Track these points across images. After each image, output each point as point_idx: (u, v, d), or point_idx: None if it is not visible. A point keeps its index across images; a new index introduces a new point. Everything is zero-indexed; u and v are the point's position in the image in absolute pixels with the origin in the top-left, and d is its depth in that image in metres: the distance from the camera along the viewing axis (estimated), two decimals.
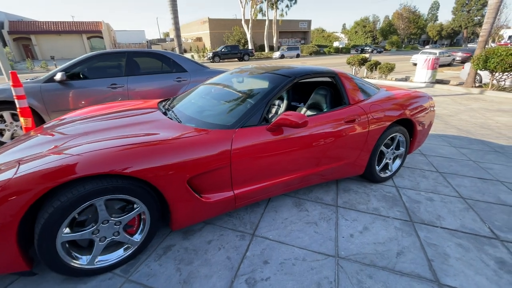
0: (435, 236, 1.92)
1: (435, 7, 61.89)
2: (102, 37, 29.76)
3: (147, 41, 39.97)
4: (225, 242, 1.81)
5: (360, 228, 1.99)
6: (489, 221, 2.11)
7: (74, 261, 1.42)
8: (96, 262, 1.49)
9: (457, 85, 9.19)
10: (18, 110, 2.73)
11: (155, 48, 33.76)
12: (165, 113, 2.13)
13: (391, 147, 2.60)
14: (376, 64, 11.68)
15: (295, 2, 32.16)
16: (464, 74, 9.86)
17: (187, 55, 27.97)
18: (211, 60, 24.34)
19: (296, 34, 43.25)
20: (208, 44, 36.23)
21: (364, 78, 11.49)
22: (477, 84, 9.00)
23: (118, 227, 1.49)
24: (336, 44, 42.76)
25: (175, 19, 8.49)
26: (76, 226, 1.40)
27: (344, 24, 70.08)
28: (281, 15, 32.98)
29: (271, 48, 34.73)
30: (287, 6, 32.28)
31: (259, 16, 32.59)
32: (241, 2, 29.27)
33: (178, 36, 8.81)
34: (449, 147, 3.78)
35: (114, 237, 1.50)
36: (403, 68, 15.95)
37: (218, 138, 1.68)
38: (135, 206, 1.52)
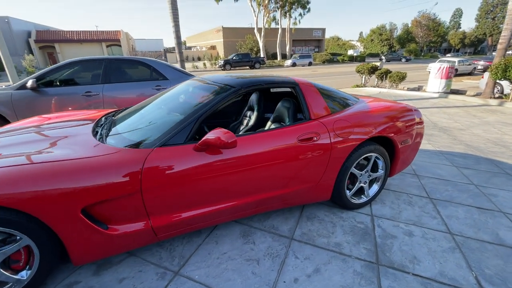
0: (402, 286, 1.54)
1: (457, 14, 59.69)
2: (120, 45, 30.95)
3: (164, 49, 41.25)
4: (139, 282, 1.53)
5: (310, 271, 1.64)
6: (478, 267, 1.69)
7: None
8: None
9: (474, 95, 8.49)
10: None
11: (169, 56, 34.66)
12: (95, 128, 1.90)
13: (366, 169, 2.23)
14: (387, 72, 11.14)
15: (308, 11, 32.00)
16: (483, 84, 9.13)
17: (200, 63, 28.43)
18: (222, 68, 24.52)
19: (310, 42, 43.00)
20: (221, 52, 36.76)
21: (374, 87, 10.98)
22: (496, 95, 8.26)
23: None
24: (350, 52, 42.04)
25: (176, 27, 8.50)
26: None
27: (361, 33, 69.09)
28: (294, 23, 32.91)
29: (284, 56, 34.65)
30: (300, 14, 32.20)
31: (273, 25, 32.70)
32: (254, 11, 29.54)
33: (179, 43, 8.82)
34: (450, 166, 3.31)
35: None
36: (419, 77, 15.17)
37: (126, 159, 1.42)
38: (17, 237, 1.28)
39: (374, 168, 2.34)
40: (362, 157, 2.12)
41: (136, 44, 42.73)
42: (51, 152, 1.45)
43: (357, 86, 11.69)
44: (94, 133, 1.77)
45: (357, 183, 2.24)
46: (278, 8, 30.60)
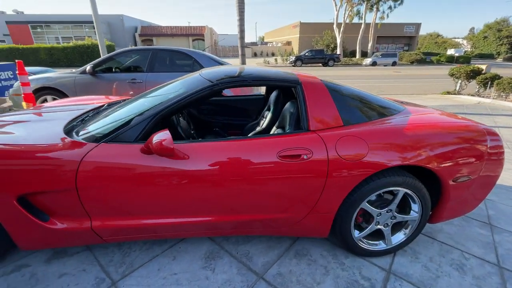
0: None
1: None
2: (204, 40, 33.89)
3: (244, 45, 43.30)
4: (75, 283, 1.43)
5: None
6: None
7: None
8: None
9: None
10: (22, 95, 3.12)
11: (246, 50, 36.05)
12: (79, 117, 1.87)
13: (388, 208, 1.60)
14: (494, 78, 8.65)
15: (401, 3, 27.98)
16: None
17: (271, 59, 28.59)
18: (293, 64, 23.99)
19: (399, 39, 37.80)
20: (296, 48, 36.10)
21: (473, 95, 8.74)
22: None
23: None
24: (451, 52, 35.06)
25: (241, 21, 8.53)
26: None
27: (472, 28, 56.69)
28: (381, 17, 29.36)
29: (364, 54, 31.53)
30: (389, 7, 28.48)
31: (355, 20, 30.04)
32: (335, 5, 27.69)
33: (241, 38, 8.85)
34: None
35: None
36: None
37: (66, 152, 1.30)
38: None
39: (405, 208, 1.68)
40: (381, 190, 1.52)
41: (218, 39, 46.21)
42: (12, 134, 1.46)
43: (448, 93, 9.52)
44: (69, 121, 1.74)
45: (372, 223, 1.64)
46: (364, 1, 27.83)
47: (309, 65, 24.67)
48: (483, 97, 8.53)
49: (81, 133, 1.48)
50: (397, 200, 1.58)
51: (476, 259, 1.76)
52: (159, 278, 1.48)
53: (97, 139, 1.37)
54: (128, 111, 1.55)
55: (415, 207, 1.64)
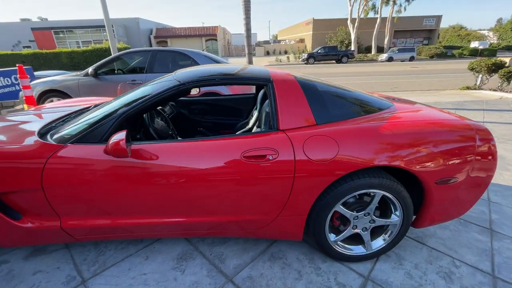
0: None
1: None
2: (216, 40, 34.18)
3: (256, 43, 43.24)
4: (46, 281, 1.47)
5: None
6: None
7: None
8: None
9: None
10: (24, 98, 3.27)
11: (258, 49, 36.04)
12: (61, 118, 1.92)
13: (366, 211, 1.52)
14: None
15: None
16: None
17: (283, 57, 28.34)
18: (306, 62, 23.64)
19: (418, 33, 36.18)
20: (309, 46, 35.55)
21: (495, 90, 8.20)
22: None
23: None
24: (474, 44, 33.10)
25: (247, 19, 8.50)
26: None
27: (500, 19, 53.14)
28: (398, 11, 28.23)
29: (380, 50, 30.49)
30: (407, 0, 27.32)
31: (371, 14, 29.11)
32: (349, 0, 26.96)
33: (248, 36, 8.81)
34: None
35: None
36: None
37: (34, 152, 1.34)
38: None
39: (386, 211, 1.59)
40: (356, 193, 1.44)
41: (232, 38, 46.44)
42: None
43: (468, 88, 8.98)
44: (49, 123, 1.79)
45: (349, 227, 1.56)
46: None
47: (322, 62, 24.21)
48: (506, 92, 7.97)
49: (54, 134, 1.51)
50: (374, 203, 1.49)
51: (468, 267, 1.63)
52: (128, 278, 1.49)
53: (65, 140, 1.39)
54: (99, 112, 1.56)
55: (395, 210, 1.54)
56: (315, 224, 1.50)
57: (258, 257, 1.67)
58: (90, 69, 4.03)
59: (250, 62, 9.15)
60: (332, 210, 1.47)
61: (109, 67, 4.23)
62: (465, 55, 28.42)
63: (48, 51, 20.80)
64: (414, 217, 1.66)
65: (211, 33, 33.57)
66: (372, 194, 1.48)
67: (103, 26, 27.94)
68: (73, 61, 21.13)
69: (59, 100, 4.15)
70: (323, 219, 1.48)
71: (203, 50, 4.66)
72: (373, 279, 1.53)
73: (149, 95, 1.45)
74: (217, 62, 4.24)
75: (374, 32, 28.52)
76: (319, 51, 24.20)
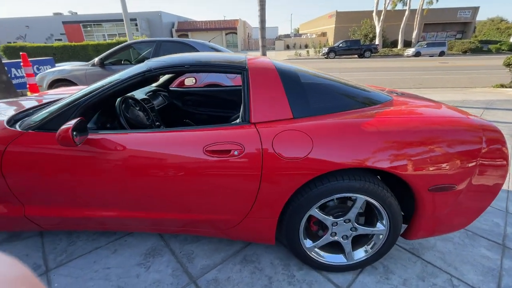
0: None
1: None
2: (236, 33, 34.06)
3: (276, 37, 42.64)
4: None
5: None
6: None
7: None
8: None
9: None
10: (27, 86, 3.36)
11: (278, 43, 35.48)
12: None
13: (346, 218, 1.35)
14: None
15: None
16: None
17: (303, 51, 27.65)
18: (326, 56, 22.88)
19: (451, 26, 33.65)
20: (331, 39, 34.39)
21: None
22: None
23: None
24: None
25: (262, 11, 8.28)
26: None
27: None
28: (430, 2, 26.34)
29: (408, 44, 28.77)
30: None
31: (399, 6, 27.44)
32: None
33: (262, 28, 8.60)
34: None
35: None
36: None
37: None
38: None
39: (372, 219, 1.41)
40: (334, 196, 1.27)
41: (252, 32, 46.08)
42: None
43: (502, 86, 8.19)
44: (27, 109, 1.77)
45: (326, 234, 1.40)
46: None
47: (343, 56, 23.33)
48: None
49: (24, 121, 1.49)
50: (355, 209, 1.32)
51: (466, 286, 1.42)
52: (91, 270, 1.45)
53: (28, 127, 1.35)
54: (64, 100, 1.51)
55: (381, 219, 1.35)
56: (288, 228, 1.36)
57: (229, 258, 1.56)
58: (96, 59, 4.08)
59: (264, 54, 8.96)
60: (306, 213, 1.32)
61: (115, 58, 4.26)
62: (503, 50, 26.05)
63: (76, 43, 21.77)
64: (406, 226, 1.47)
65: (231, 26, 33.49)
66: (353, 198, 1.31)
67: (129, 20, 28.82)
68: (98, 54, 21.85)
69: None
70: (296, 223, 1.34)
71: (209, 41, 4.56)
72: None
73: (114, 81, 1.37)
74: (220, 51, 4.12)
75: (402, 25, 26.91)
76: (341, 45, 23.29)
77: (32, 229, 1.52)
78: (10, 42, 20.87)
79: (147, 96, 2.32)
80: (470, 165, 1.23)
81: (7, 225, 1.48)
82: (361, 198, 1.28)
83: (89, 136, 1.26)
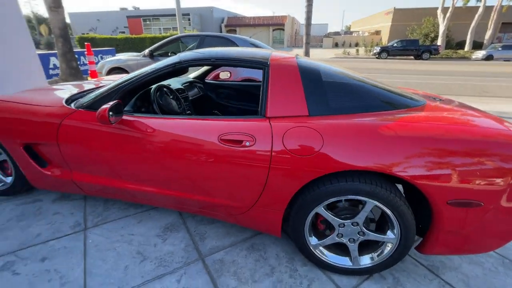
0: None
1: None
2: (283, 29, 33.80)
3: (325, 34, 41.24)
4: (60, 222, 1.75)
5: None
6: None
7: None
8: None
9: None
10: (89, 72, 3.83)
11: (326, 40, 34.29)
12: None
13: (353, 220, 1.32)
14: None
15: None
16: None
17: (352, 50, 26.28)
18: (377, 56, 21.43)
19: None
20: (386, 38, 32.04)
21: None
22: None
23: None
24: None
25: (309, 7, 8.12)
26: None
27: None
28: None
29: (479, 46, 25.35)
30: None
31: (471, 2, 24.28)
32: None
33: (308, 25, 8.47)
34: None
35: None
36: None
37: (54, 113, 1.58)
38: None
39: (384, 226, 1.36)
40: (342, 197, 1.26)
41: (300, 29, 45.21)
42: (44, 97, 1.86)
43: None
44: (84, 91, 2.06)
45: (332, 234, 1.39)
46: None
47: (397, 57, 21.58)
48: None
49: (78, 101, 1.76)
50: (364, 213, 1.29)
51: None
52: (118, 234, 1.67)
53: (79, 106, 1.60)
54: (110, 85, 1.74)
55: (392, 227, 1.30)
56: (294, 222, 1.39)
57: (237, 244, 1.65)
58: (146, 51, 4.50)
59: (307, 52, 8.81)
60: (312, 211, 1.33)
61: (164, 50, 4.64)
62: None
63: (135, 36, 23.95)
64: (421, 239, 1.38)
65: (279, 22, 33.33)
66: (363, 202, 1.28)
67: (183, 15, 30.67)
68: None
69: None
70: (302, 218, 1.36)
71: (250, 37, 4.67)
72: None
73: (149, 71, 1.54)
74: (258, 47, 4.20)
75: (472, 24, 23.76)
76: (395, 44, 21.54)
77: (77, 193, 1.80)
78: (84, 34, 23.69)
79: (183, 86, 2.51)
80: (500, 182, 1.11)
81: (59, 186, 1.78)
82: (371, 203, 1.25)
83: (124, 117, 1.44)
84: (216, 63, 1.52)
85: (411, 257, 1.62)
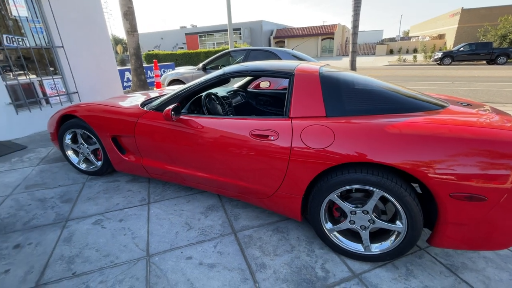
0: None
1: None
2: (333, 38, 33.32)
3: (378, 41, 39.19)
4: (131, 197, 2.29)
5: (206, 261, 1.61)
6: None
7: None
8: None
9: None
10: (155, 83, 4.59)
11: (380, 47, 32.58)
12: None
13: (363, 208, 1.50)
14: None
15: None
16: None
17: (409, 56, 24.42)
18: (439, 62, 19.53)
19: None
20: (451, 42, 28.98)
21: None
22: None
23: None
24: None
25: (356, 16, 8.10)
26: None
27: None
28: None
29: None
30: None
31: None
32: None
33: (354, 34, 8.42)
34: None
35: None
36: None
37: (133, 113, 2.13)
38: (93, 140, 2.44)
39: (395, 216, 1.50)
40: (352, 186, 1.46)
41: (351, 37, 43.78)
42: (124, 102, 2.48)
43: None
44: (154, 97, 2.64)
45: (345, 220, 1.58)
46: None
47: (464, 62, 19.36)
48: None
49: (149, 105, 2.30)
50: (372, 201, 1.46)
51: None
52: (172, 209, 2.12)
53: (150, 108, 2.13)
54: (171, 93, 2.23)
55: (400, 217, 1.44)
56: (311, 207, 1.62)
57: (264, 225, 1.94)
58: (200, 65, 5.19)
59: (353, 60, 8.74)
60: (326, 198, 1.55)
61: (215, 63, 5.28)
62: None
63: (192, 51, 26.52)
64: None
65: (329, 31, 32.99)
66: (370, 192, 1.46)
67: (234, 30, 32.72)
68: (207, 59, 26.08)
69: None
70: (317, 204, 1.59)
71: (293, 49, 4.99)
72: (361, 278, 1.51)
73: (200, 81, 1.98)
74: (300, 59, 4.48)
75: None
76: (461, 49, 19.35)
77: (144, 175, 2.33)
78: (150, 50, 27.09)
79: (228, 94, 2.95)
80: (504, 178, 1.19)
81: (132, 169, 2.33)
82: (379, 193, 1.42)
83: (181, 117, 1.89)
84: (252, 74, 1.88)
85: (430, 255, 1.68)
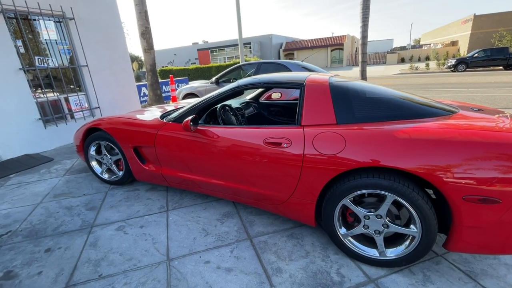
0: None
1: None
2: (342, 49, 33.51)
3: (388, 50, 39.08)
4: (151, 204, 2.40)
5: (222, 266, 1.66)
6: None
7: None
8: None
9: None
10: (171, 97, 4.81)
11: (390, 56, 32.41)
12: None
13: (377, 212, 1.53)
14: None
15: None
16: None
17: (421, 64, 24.15)
18: (452, 69, 19.20)
19: None
20: (464, 49, 28.50)
21: None
22: None
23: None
24: None
25: (364, 27, 8.21)
26: None
27: None
28: None
29: None
30: None
31: None
32: None
33: (363, 44, 8.50)
34: None
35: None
36: None
37: (153, 125, 2.27)
38: (116, 151, 2.59)
39: (409, 221, 1.52)
40: (364, 191, 1.50)
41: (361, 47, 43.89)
42: (143, 115, 2.64)
43: None
44: (171, 110, 2.79)
45: (359, 225, 1.60)
46: None
47: (479, 69, 18.93)
48: None
49: (167, 117, 2.44)
50: (385, 205, 1.49)
51: None
52: (189, 216, 2.20)
53: (169, 120, 2.26)
54: (188, 105, 2.36)
55: (414, 221, 1.46)
56: (325, 213, 1.66)
57: (279, 231, 1.98)
58: (213, 79, 5.40)
59: (364, 70, 8.77)
60: (339, 203, 1.59)
61: (227, 77, 5.48)
62: None
63: (204, 66, 27.38)
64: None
65: (338, 42, 33.26)
66: (382, 196, 1.49)
67: (244, 44, 33.61)
68: (219, 73, 26.79)
69: None
70: (331, 210, 1.63)
71: (303, 60, 5.12)
72: (378, 283, 1.51)
73: (215, 94, 2.10)
74: (310, 70, 4.59)
75: None
76: (476, 55, 19.00)
77: (163, 184, 2.44)
78: (164, 66, 28.13)
79: (241, 106, 3.07)
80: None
81: (152, 178, 2.46)
82: (391, 197, 1.45)
83: (198, 127, 2.01)
84: (264, 86, 1.99)
85: (447, 261, 1.67)
